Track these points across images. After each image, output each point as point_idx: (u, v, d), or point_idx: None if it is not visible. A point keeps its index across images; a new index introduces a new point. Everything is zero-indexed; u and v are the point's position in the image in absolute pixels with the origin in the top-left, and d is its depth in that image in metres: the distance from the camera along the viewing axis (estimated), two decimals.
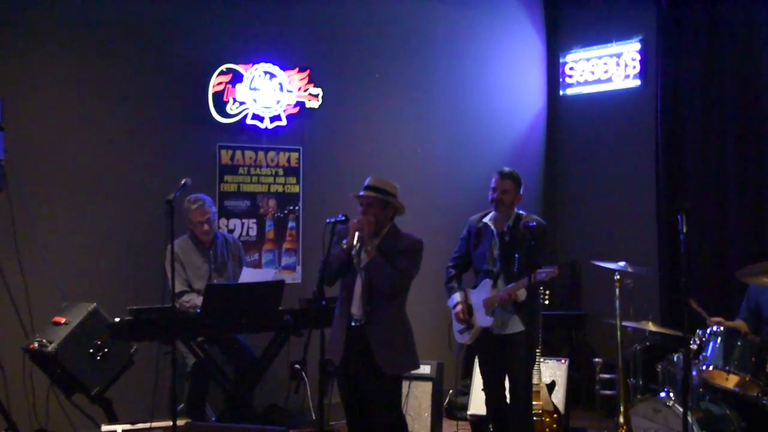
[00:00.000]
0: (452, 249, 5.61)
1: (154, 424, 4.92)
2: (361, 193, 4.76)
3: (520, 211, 5.33)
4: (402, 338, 4.83)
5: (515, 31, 8.21)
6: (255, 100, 6.60)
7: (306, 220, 6.91)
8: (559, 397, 6.28)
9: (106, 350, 5.32)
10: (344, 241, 4.69)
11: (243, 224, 6.70)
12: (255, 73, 6.59)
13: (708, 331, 5.47)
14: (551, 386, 6.14)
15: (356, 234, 4.63)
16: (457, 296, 5.40)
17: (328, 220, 4.71)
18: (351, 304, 4.77)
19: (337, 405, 6.10)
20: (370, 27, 7.35)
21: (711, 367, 5.33)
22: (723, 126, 6.94)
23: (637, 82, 7.70)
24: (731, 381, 5.31)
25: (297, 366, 6.00)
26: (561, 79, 8.30)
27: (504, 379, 5.36)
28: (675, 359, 5.54)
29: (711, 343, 5.39)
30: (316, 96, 6.84)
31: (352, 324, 4.77)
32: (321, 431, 4.79)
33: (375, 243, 4.71)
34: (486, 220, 5.39)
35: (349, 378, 4.82)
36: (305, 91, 6.80)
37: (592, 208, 8.02)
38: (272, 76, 6.66)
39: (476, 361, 5.88)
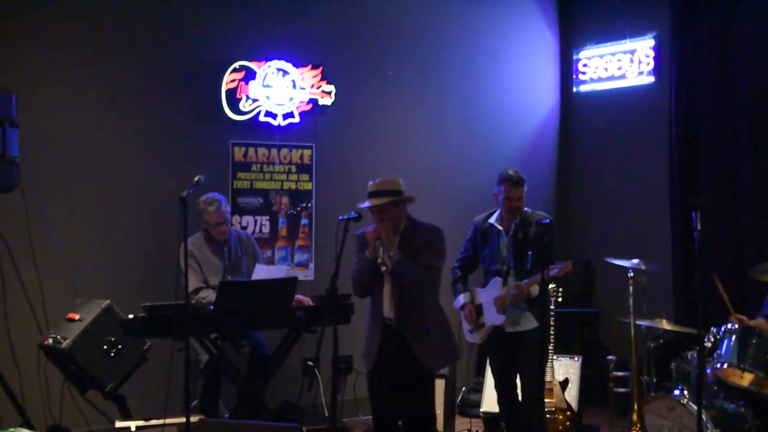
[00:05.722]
0: None
1: (168, 421, 4.93)
2: (366, 204, 4.68)
3: (525, 208, 5.32)
4: (439, 331, 4.77)
5: (528, 28, 8.18)
6: (268, 98, 6.61)
7: (319, 217, 6.91)
8: (572, 395, 6.26)
9: (119, 347, 5.34)
10: (367, 252, 4.67)
11: (256, 221, 6.71)
12: (268, 70, 6.60)
13: (722, 328, 5.44)
14: (564, 384, 6.12)
15: (376, 242, 4.62)
16: (462, 297, 5.38)
17: (340, 218, 4.68)
18: (382, 308, 4.73)
19: (349, 402, 6.13)
20: (383, 24, 7.34)
21: (725, 365, 5.30)
22: (737, 122, 6.89)
23: (651, 79, 7.65)
24: (746, 379, 5.28)
25: (310, 363, 6.04)
26: (574, 76, 8.26)
27: (515, 377, 5.35)
28: (689, 357, 5.51)
29: (725, 341, 5.36)
30: (329, 93, 6.84)
31: (386, 324, 4.72)
32: (334, 428, 4.79)
33: (395, 243, 4.65)
34: (492, 220, 5.37)
35: (386, 377, 4.73)
36: (318, 88, 6.80)
37: (605, 206, 7.98)
38: (285, 73, 6.67)
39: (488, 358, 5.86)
